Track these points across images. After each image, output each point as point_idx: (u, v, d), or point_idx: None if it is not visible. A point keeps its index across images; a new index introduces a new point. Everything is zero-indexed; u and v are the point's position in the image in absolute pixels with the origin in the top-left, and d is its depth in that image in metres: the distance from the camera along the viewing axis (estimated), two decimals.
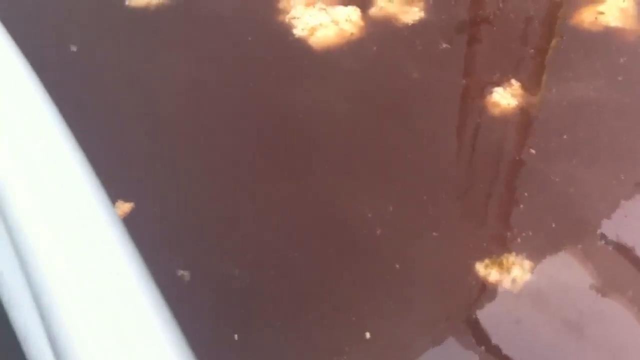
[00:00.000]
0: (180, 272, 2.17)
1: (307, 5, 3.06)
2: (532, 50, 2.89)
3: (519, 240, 2.27)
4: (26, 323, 1.40)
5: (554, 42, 2.93)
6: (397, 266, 2.20)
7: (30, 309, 1.35)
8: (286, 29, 2.98)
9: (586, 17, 2.97)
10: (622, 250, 2.29)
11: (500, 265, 2.19)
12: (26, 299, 1.35)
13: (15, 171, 1.21)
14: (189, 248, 2.26)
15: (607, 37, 2.91)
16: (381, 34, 2.96)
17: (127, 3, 3.11)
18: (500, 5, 3.09)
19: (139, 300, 1.05)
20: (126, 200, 2.34)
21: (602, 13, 2.96)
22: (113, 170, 2.07)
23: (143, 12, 3.09)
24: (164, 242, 2.25)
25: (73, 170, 1.22)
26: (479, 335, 2.13)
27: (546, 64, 2.85)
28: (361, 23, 2.98)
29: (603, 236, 2.32)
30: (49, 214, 1.16)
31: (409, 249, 2.25)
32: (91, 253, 1.11)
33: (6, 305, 1.47)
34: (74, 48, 2.94)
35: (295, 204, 2.41)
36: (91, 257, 1.10)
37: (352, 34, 2.94)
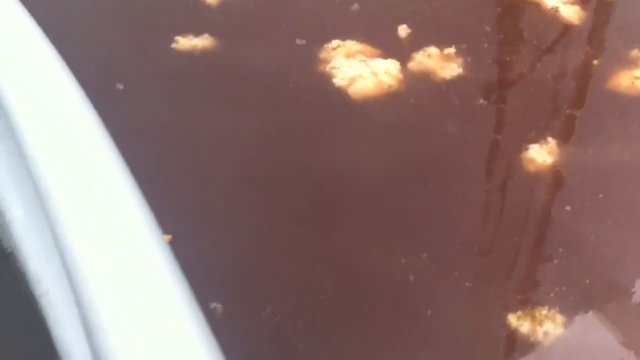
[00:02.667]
0: (213, 305, 2.19)
1: (348, 56, 3.13)
2: (569, 110, 2.92)
3: (552, 294, 2.27)
4: (71, 342, 1.41)
5: (590, 104, 2.97)
6: (429, 312, 2.20)
7: (75, 328, 1.37)
8: (326, 79, 3.04)
9: (623, 81, 3.01)
10: None
11: (533, 318, 2.19)
12: (73, 319, 1.38)
13: (67, 195, 1.25)
14: (223, 282, 2.28)
15: None
16: (419, 87, 3.01)
17: (173, 46, 3.21)
18: (538, 65, 3.14)
19: (185, 325, 1.07)
20: (164, 232, 2.38)
21: (638, 78, 3.00)
22: (151, 204, 2.12)
23: (188, 56, 3.18)
24: (198, 275, 2.27)
25: (127, 200, 1.26)
26: None
27: (583, 124, 2.88)
28: (400, 76, 3.04)
29: (635, 297, 2.31)
30: (101, 238, 1.19)
31: (441, 296, 2.26)
32: (141, 276, 1.14)
33: (50, 324, 1.50)
34: (120, 86, 3.02)
35: (331, 249, 2.43)
36: (140, 280, 1.13)
37: (390, 86, 3.00)
